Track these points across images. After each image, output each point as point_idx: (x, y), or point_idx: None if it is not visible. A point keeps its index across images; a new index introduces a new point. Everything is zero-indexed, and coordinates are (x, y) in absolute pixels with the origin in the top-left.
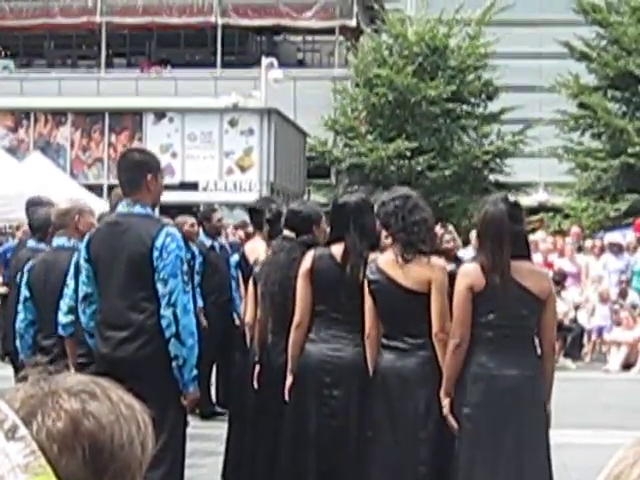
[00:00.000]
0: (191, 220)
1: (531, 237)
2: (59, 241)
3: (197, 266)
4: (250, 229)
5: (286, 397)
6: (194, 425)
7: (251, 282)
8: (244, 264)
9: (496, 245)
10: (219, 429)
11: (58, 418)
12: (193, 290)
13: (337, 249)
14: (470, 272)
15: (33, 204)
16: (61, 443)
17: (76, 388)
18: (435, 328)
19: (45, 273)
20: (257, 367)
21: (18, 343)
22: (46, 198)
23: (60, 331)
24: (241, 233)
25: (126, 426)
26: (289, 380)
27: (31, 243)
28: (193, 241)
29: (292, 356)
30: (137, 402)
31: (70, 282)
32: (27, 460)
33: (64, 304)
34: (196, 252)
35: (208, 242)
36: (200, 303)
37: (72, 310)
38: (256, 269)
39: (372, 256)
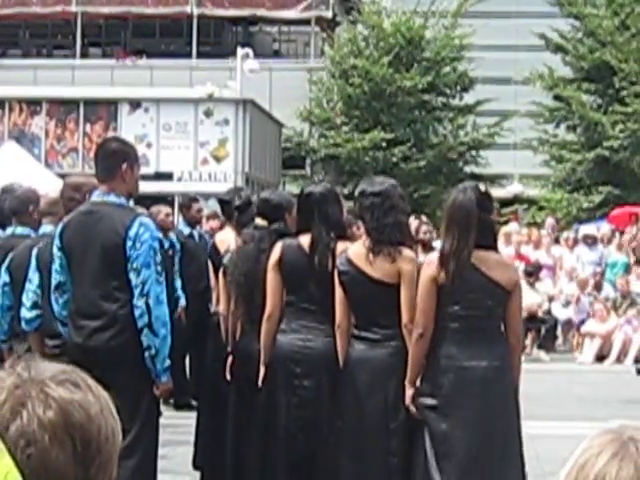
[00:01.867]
0: (166, 210)
1: (504, 229)
2: (45, 228)
3: (177, 254)
4: (222, 219)
5: (259, 386)
6: (168, 415)
7: (221, 272)
8: (215, 254)
9: (462, 232)
10: (193, 419)
11: (48, 407)
12: (168, 285)
13: (305, 239)
14: (434, 262)
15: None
16: (52, 433)
17: (60, 377)
18: (404, 319)
19: (28, 259)
20: (230, 358)
21: None
22: (17, 185)
23: (24, 326)
24: (212, 224)
25: (109, 417)
26: (262, 371)
27: None
28: (168, 231)
29: (264, 347)
30: (104, 391)
31: (33, 276)
32: None
33: (27, 299)
34: (174, 240)
35: (187, 230)
36: (182, 302)
37: (36, 305)
38: (225, 259)
39: (342, 246)
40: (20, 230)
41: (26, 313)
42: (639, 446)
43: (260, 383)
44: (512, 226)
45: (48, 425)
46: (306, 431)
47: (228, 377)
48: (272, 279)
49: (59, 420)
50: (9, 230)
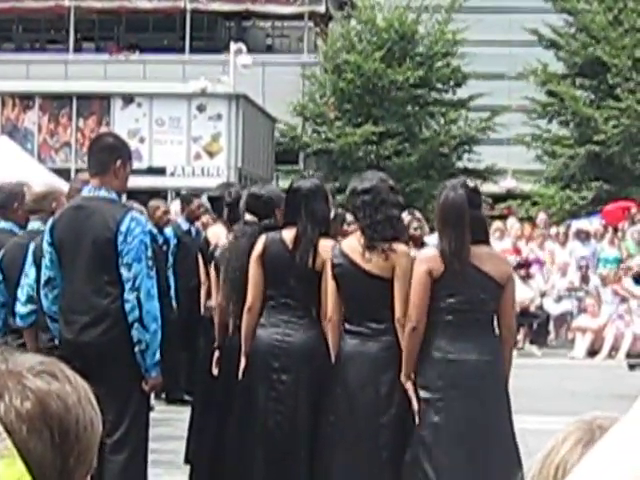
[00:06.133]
0: (164, 206)
1: (497, 224)
2: (34, 225)
3: (172, 248)
4: (213, 215)
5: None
6: (159, 409)
7: (213, 267)
8: (206, 248)
9: (457, 231)
10: (184, 413)
11: (25, 398)
12: (160, 281)
13: (288, 234)
14: (429, 257)
15: None
16: (30, 424)
17: (37, 368)
18: (398, 313)
19: (19, 256)
20: (216, 352)
21: None
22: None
23: (18, 322)
24: (204, 219)
25: (88, 407)
26: (242, 363)
27: None
28: (164, 227)
29: (245, 339)
30: (83, 381)
31: (29, 271)
32: None
33: (22, 294)
34: (170, 236)
35: (185, 226)
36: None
37: (32, 299)
38: (216, 253)
39: (328, 242)
40: (2, 225)
41: (21, 308)
42: (605, 434)
43: (240, 375)
44: (510, 221)
45: (25, 416)
46: (284, 426)
47: (215, 372)
48: (254, 272)
49: (36, 411)
50: (30, 226)
